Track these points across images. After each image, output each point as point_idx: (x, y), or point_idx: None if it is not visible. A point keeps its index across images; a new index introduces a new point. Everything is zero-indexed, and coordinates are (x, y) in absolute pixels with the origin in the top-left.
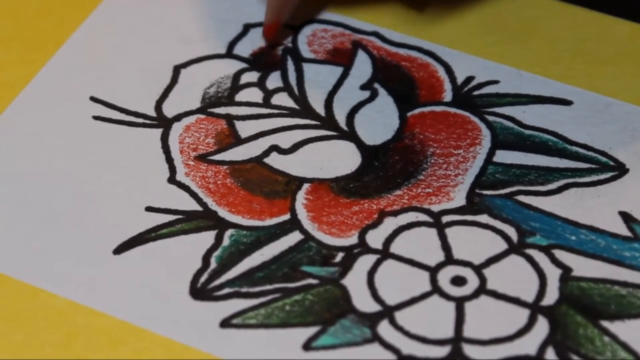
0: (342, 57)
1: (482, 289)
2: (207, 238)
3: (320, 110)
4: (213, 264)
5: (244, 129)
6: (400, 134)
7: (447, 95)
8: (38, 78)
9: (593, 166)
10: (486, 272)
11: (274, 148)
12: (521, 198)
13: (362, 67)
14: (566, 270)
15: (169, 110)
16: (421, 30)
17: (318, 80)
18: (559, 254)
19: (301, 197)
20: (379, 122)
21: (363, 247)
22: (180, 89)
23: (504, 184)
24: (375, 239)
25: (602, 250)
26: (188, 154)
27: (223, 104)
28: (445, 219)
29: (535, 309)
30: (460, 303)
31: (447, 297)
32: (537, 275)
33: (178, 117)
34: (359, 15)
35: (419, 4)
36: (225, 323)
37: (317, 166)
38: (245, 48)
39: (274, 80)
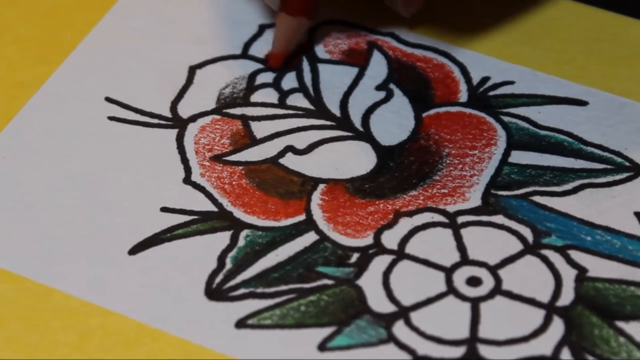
0: (357, 58)
1: (497, 290)
2: (222, 238)
3: (336, 110)
4: (228, 264)
5: (260, 129)
6: (415, 134)
7: (463, 96)
8: (53, 79)
9: (608, 167)
10: (501, 272)
11: (290, 148)
12: (536, 199)
13: (378, 68)
14: (582, 270)
15: (184, 110)
16: (436, 31)
17: (333, 80)
18: (575, 254)
19: (316, 198)
20: (395, 122)
21: (378, 248)
22: (196, 89)
23: (520, 185)
24: (390, 239)
25: (617, 251)
26: (203, 154)
27: (238, 104)
28: (461, 219)
29: (550, 309)
30: (475, 303)
31: (463, 297)
32: (552, 276)
33: (193, 118)
34: (374, 15)
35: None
36: (241, 323)
37: (332, 167)
38: (261, 48)
39: (289, 80)
